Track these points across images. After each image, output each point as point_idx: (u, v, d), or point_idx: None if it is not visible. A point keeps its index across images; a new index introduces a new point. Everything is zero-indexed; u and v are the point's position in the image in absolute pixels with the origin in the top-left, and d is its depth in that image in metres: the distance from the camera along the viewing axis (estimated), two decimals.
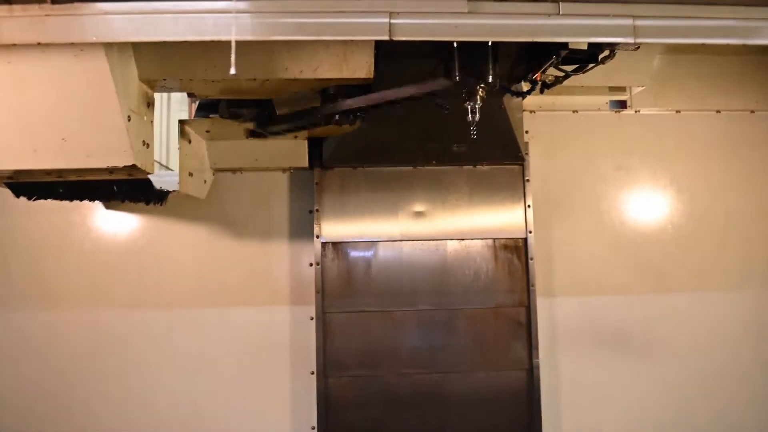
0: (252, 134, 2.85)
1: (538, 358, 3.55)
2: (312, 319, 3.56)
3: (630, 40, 2.00)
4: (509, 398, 3.56)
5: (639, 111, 3.91)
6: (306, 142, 3.46)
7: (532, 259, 3.60)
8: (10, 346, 3.58)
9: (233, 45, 1.69)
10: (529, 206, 3.64)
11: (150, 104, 2.36)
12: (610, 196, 3.84)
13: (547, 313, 3.69)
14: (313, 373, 3.52)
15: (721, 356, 3.80)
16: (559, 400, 3.68)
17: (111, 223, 3.65)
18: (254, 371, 3.66)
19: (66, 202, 3.37)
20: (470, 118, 2.57)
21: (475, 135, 2.65)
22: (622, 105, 3.96)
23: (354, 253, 3.57)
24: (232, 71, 1.67)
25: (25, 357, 3.58)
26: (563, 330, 3.74)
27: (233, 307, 3.68)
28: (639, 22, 2.01)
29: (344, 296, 3.56)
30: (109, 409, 3.59)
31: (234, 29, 1.71)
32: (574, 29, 2.02)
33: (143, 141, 2.26)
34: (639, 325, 3.79)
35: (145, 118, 2.29)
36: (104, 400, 3.60)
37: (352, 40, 2.19)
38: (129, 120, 2.09)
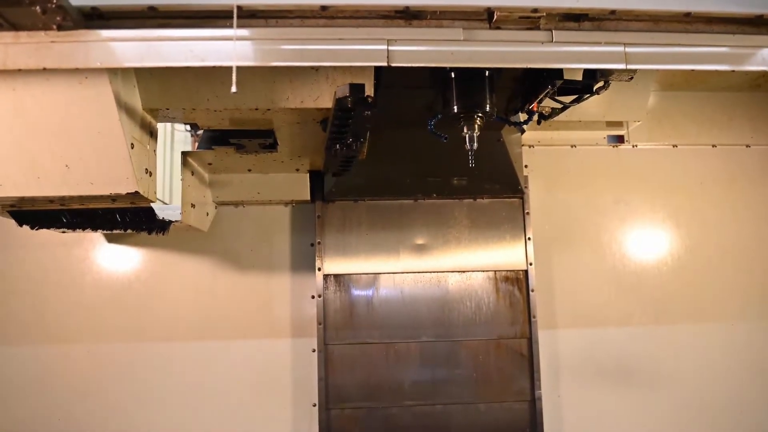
0: (238, 148, 2.88)
1: (540, 389, 3.53)
2: (314, 351, 3.57)
3: (621, 66, 2.05)
4: (512, 430, 3.52)
5: (636, 146, 3.96)
6: (308, 175, 3.51)
7: (533, 290, 3.61)
8: (10, 381, 3.55)
9: (234, 69, 1.74)
10: (529, 239, 3.66)
11: (153, 134, 2.41)
12: (610, 229, 3.87)
13: (548, 344, 3.68)
14: (315, 405, 3.51)
15: (723, 387, 3.79)
16: (561, 430, 3.64)
17: (113, 257, 3.67)
18: (256, 404, 3.64)
19: (68, 236, 3.42)
20: (468, 147, 2.60)
21: (473, 164, 2.68)
22: (619, 140, 4.03)
23: (356, 286, 3.58)
24: (233, 89, 1.71)
25: (26, 391, 3.55)
26: (565, 361, 3.73)
27: (235, 339, 3.67)
28: (630, 49, 2.06)
29: (346, 328, 3.56)
30: None
31: (234, 55, 1.75)
32: (567, 56, 2.07)
33: (146, 169, 2.29)
34: (640, 357, 3.78)
35: (148, 146, 2.33)
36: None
37: (351, 71, 2.24)
38: (132, 148, 2.13)
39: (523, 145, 3.69)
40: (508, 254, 3.66)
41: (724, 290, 3.89)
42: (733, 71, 2.18)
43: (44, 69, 1.83)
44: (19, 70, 1.84)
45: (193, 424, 3.61)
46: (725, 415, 3.80)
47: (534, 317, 3.59)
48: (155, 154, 2.42)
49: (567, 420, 3.71)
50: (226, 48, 1.83)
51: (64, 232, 3.13)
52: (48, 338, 3.59)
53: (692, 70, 2.40)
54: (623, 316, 3.82)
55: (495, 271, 3.64)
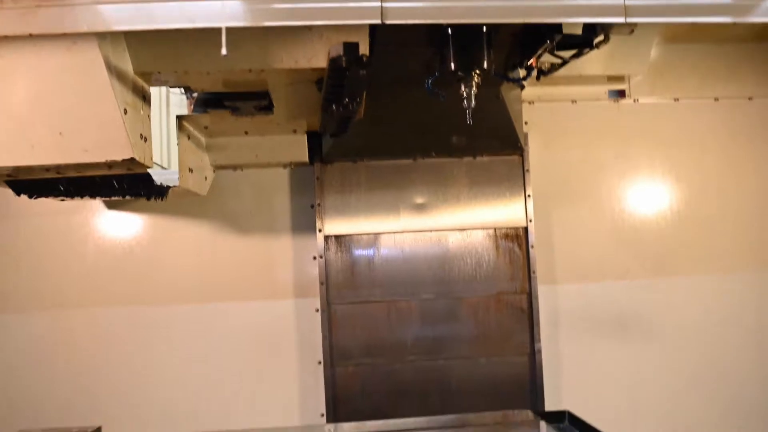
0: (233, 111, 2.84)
1: (539, 342, 3.58)
2: (317, 310, 3.61)
3: (621, 20, 2.00)
4: (512, 383, 3.60)
5: (638, 100, 3.92)
6: (305, 137, 3.48)
7: (532, 247, 3.62)
8: (15, 346, 3.61)
9: (223, 30, 1.70)
10: (529, 196, 3.65)
11: (146, 98, 2.37)
12: (610, 185, 3.86)
13: (548, 299, 3.73)
14: (320, 362, 3.57)
15: (718, 339, 3.86)
16: (560, 383, 3.73)
17: (113, 223, 3.67)
18: (262, 363, 3.72)
19: (67, 204, 3.42)
20: (466, 105, 2.57)
21: (471, 122, 2.64)
22: (620, 94, 3.98)
23: (357, 246, 3.60)
24: (224, 51, 1.68)
25: (30, 356, 3.61)
26: (564, 315, 3.78)
27: (238, 301, 3.72)
28: (630, 2, 2.01)
29: (348, 288, 3.60)
30: (117, 403, 3.62)
31: (224, 15, 1.71)
32: (566, 10, 2.03)
33: (141, 135, 2.26)
34: (638, 310, 3.83)
35: (141, 112, 2.30)
36: (112, 396, 3.63)
37: (345, 29, 2.19)
38: (125, 113, 2.09)
39: (522, 102, 3.63)
40: (507, 211, 3.65)
41: (722, 243, 3.91)
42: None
43: (30, 35, 1.80)
44: (5, 36, 1.80)
45: (200, 382, 3.69)
46: (720, 366, 3.87)
47: (533, 273, 3.61)
48: (149, 119, 2.38)
49: (566, 372, 3.78)
50: (216, 8, 1.78)
51: (62, 200, 3.12)
52: (51, 305, 3.63)
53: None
54: (621, 271, 3.86)
55: (495, 228, 3.65)
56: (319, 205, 3.59)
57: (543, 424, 2.36)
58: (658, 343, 3.85)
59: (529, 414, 2.53)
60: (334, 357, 3.59)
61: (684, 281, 3.89)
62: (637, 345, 3.84)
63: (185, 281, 3.71)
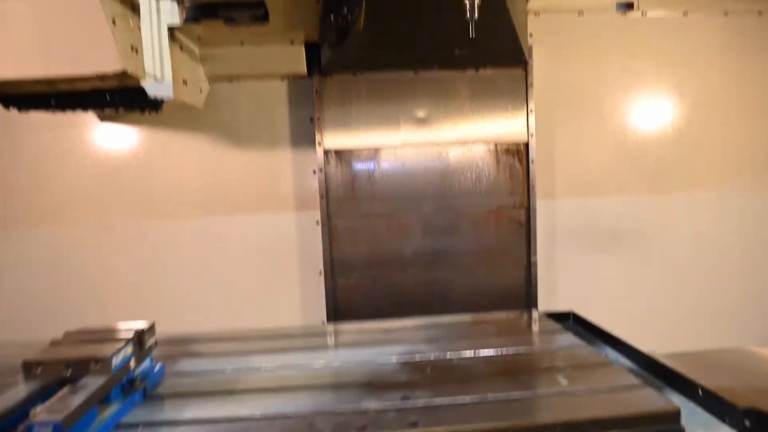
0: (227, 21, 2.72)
1: (536, 255, 3.64)
2: (318, 223, 3.62)
3: None
4: (508, 293, 3.68)
5: (646, 13, 3.78)
6: (303, 48, 3.37)
7: (533, 162, 3.59)
8: (17, 262, 3.65)
9: None
10: (531, 111, 3.57)
11: (135, 8, 2.28)
12: (613, 99, 3.80)
13: (546, 213, 3.76)
14: (321, 273, 3.63)
15: (712, 253, 3.93)
16: (554, 294, 3.83)
17: (109, 137, 3.62)
18: (264, 274, 3.79)
19: (60, 118, 3.34)
20: (469, 16, 2.46)
21: (473, 35, 2.54)
22: (628, 7, 3.82)
23: (357, 160, 3.59)
24: None
25: (33, 272, 3.67)
26: (561, 230, 3.83)
27: (239, 214, 3.76)
28: None
29: (349, 201, 3.61)
30: (123, 314, 3.60)
31: None
32: None
33: (131, 46, 2.19)
34: (634, 225, 3.87)
35: (131, 22, 2.21)
36: (117, 307, 3.72)
37: None
38: (114, 24, 2.01)
39: (528, 13, 3.49)
40: (509, 126, 3.60)
41: (722, 161, 3.91)
42: None
43: None
44: None
45: (203, 293, 3.77)
46: (712, 281, 3.97)
47: (533, 187, 3.61)
48: (140, 31, 2.30)
49: (560, 284, 3.87)
50: None
51: (54, 113, 3.04)
52: (50, 220, 3.66)
53: None
54: (620, 186, 3.87)
55: (496, 143, 3.60)
56: (318, 118, 3.52)
57: (551, 322, 2.43)
58: (652, 256, 3.92)
59: (537, 313, 2.60)
60: (334, 268, 3.65)
61: (681, 197, 3.90)
62: (631, 258, 3.91)
63: (186, 194, 3.72)
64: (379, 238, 3.67)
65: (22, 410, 1.37)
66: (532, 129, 3.57)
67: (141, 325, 1.84)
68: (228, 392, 1.81)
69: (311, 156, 3.65)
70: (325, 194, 3.59)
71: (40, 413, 1.32)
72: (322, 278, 3.66)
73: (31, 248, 3.67)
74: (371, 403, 1.58)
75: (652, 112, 3.85)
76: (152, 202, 3.69)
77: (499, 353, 2.05)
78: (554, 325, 2.44)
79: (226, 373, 1.99)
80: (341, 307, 3.70)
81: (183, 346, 2.30)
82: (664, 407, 1.51)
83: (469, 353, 2.05)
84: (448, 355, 2.04)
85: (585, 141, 3.83)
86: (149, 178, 3.67)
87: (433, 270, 3.68)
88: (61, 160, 3.60)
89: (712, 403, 1.60)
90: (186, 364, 2.12)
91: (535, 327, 2.54)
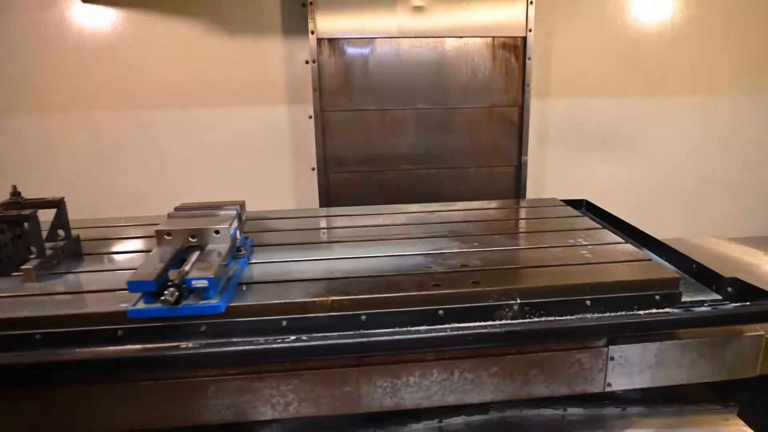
0: None
1: (526, 155, 3.60)
2: (310, 117, 3.51)
3: None
4: (498, 191, 3.67)
5: None
6: None
7: (529, 58, 3.51)
8: (6, 151, 3.51)
9: None
10: (531, 2, 3.48)
11: None
12: None
13: (539, 112, 3.71)
14: (313, 169, 3.57)
15: (702, 159, 3.96)
16: (543, 193, 3.86)
17: (91, 19, 3.42)
18: (257, 168, 3.73)
19: None
20: None
21: None
22: None
23: (351, 50, 3.43)
24: None
25: (22, 160, 3.54)
26: (553, 129, 3.81)
27: (230, 106, 3.62)
28: None
29: (342, 94, 3.48)
30: (113, 203, 3.64)
31: None
32: None
33: None
34: (627, 127, 3.85)
35: None
36: (106, 196, 3.64)
37: None
38: None
39: None
40: (507, 19, 3.51)
41: (719, 65, 3.83)
42: None
43: None
44: None
45: (193, 185, 3.71)
46: (699, 186, 4.01)
47: (528, 86, 3.52)
48: None
49: (549, 182, 3.90)
50: None
51: None
52: (38, 107, 3.49)
53: None
54: (616, 87, 3.80)
55: (493, 37, 3.52)
56: (311, 2, 3.37)
57: (568, 207, 2.64)
58: (641, 158, 3.93)
59: (555, 200, 2.71)
60: (327, 163, 3.58)
61: (678, 101, 3.86)
62: (620, 160, 3.92)
63: (175, 83, 3.56)
64: (372, 134, 3.58)
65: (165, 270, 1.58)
66: (531, 23, 3.49)
67: (237, 202, 2.08)
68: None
69: (303, 46, 3.49)
70: (318, 87, 3.46)
71: (191, 271, 1.55)
72: (314, 174, 3.59)
73: (15, 136, 3.52)
74: (438, 267, 1.84)
75: (653, 11, 3.73)
76: (139, 91, 3.53)
77: (529, 230, 2.35)
78: (572, 210, 2.64)
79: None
80: (333, 201, 3.66)
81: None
82: (668, 275, 1.79)
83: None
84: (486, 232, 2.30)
85: (583, 39, 3.72)
86: (136, 65, 3.49)
87: (425, 167, 3.65)
88: (41, 43, 3.41)
89: (702, 274, 1.90)
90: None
91: (556, 211, 2.62)
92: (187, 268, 1.58)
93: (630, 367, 1.67)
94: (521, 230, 2.33)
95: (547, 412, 1.83)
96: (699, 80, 3.85)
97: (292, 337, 1.53)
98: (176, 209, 1.98)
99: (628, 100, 3.83)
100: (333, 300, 1.59)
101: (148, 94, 3.56)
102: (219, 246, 1.71)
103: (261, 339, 1.54)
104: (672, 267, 2.02)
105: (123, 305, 1.54)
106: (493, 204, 2.95)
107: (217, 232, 1.72)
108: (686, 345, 1.69)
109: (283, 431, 1.75)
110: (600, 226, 2.31)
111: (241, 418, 1.62)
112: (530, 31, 3.48)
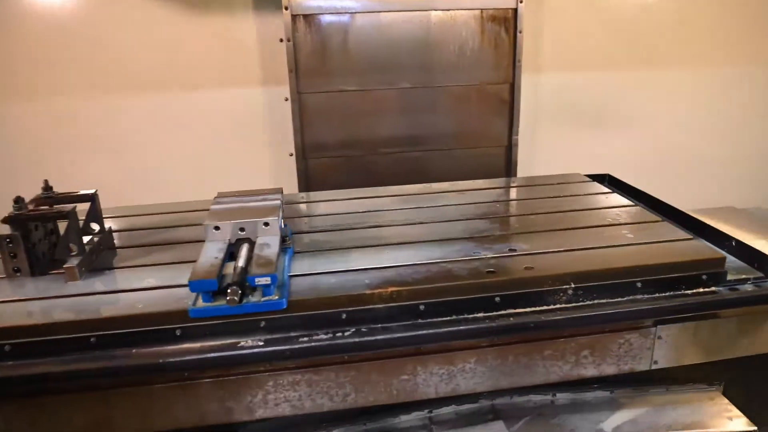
0: None
1: (517, 135, 3.47)
2: (287, 99, 3.33)
3: None
4: (488, 173, 3.52)
5: None
6: None
7: (520, 32, 3.37)
8: None
9: None
10: None
11: None
12: None
13: (530, 89, 3.56)
14: (291, 154, 3.39)
15: (694, 133, 3.90)
16: (532, 172, 3.71)
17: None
18: (231, 155, 3.54)
19: None
20: None
21: None
22: None
23: (328, 27, 3.22)
24: None
25: None
26: (545, 106, 3.68)
27: (201, 89, 3.42)
28: None
29: (320, 75, 3.28)
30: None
31: None
32: None
33: None
34: (620, 101, 3.76)
35: None
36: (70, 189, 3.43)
37: None
38: None
39: None
40: None
41: (711, 38, 3.75)
42: None
43: None
44: None
45: (165, 172, 3.51)
46: (691, 160, 3.96)
47: (519, 61, 3.35)
48: None
49: (539, 163, 3.76)
50: None
51: None
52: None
53: None
54: (611, 60, 3.69)
55: (482, 9, 3.42)
56: None
57: (595, 184, 2.61)
58: (633, 134, 3.84)
59: (580, 175, 2.71)
60: (306, 148, 3.40)
61: (672, 74, 3.77)
62: (613, 136, 3.82)
63: (144, 66, 3.34)
64: (354, 116, 3.40)
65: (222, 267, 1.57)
66: None
67: (276, 190, 2.01)
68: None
69: (277, 22, 3.28)
70: (295, 67, 3.24)
71: (252, 268, 1.53)
72: (293, 159, 3.41)
73: None
74: (487, 252, 1.83)
75: None
76: (107, 75, 3.31)
77: (565, 209, 2.28)
78: (600, 186, 2.57)
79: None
80: (313, 189, 3.44)
81: None
82: (714, 254, 1.79)
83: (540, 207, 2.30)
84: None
85: (576, 10, 3.58)
86: (102, 48, 3.26)
87: (410, 150, 3.48)
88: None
89: (743, 251, 1.88)
90: None
91: (584, 188, 2.59)
92: (241, 263, 1.56)
93: (676, 345, 1.72)
94: (556, 209, 2.24)
95: (537, 397, 1.85)
96: (693, 52, 3.76)
97: (363, 330, 1.53)
98: (216, 199, 1.93)
99: (620, 74, 3.72)
100: (392, 291, 1.59)
101: (113, 78, 3.32)
102: (269, 239, 1.68)
103: (321, 332, 1.54)
104: (708, 244, 1.96)
105: (179, 304, 1.53)
106: (517, 181, 2.85)
107: (266, 224, 1.69)
108: (728, 322, 1.73)
109: (276, 426, 1.74)
110: (632, 203, 2.28)
111: (298, 411, 1.63)
112: (521, 2, 3.40)
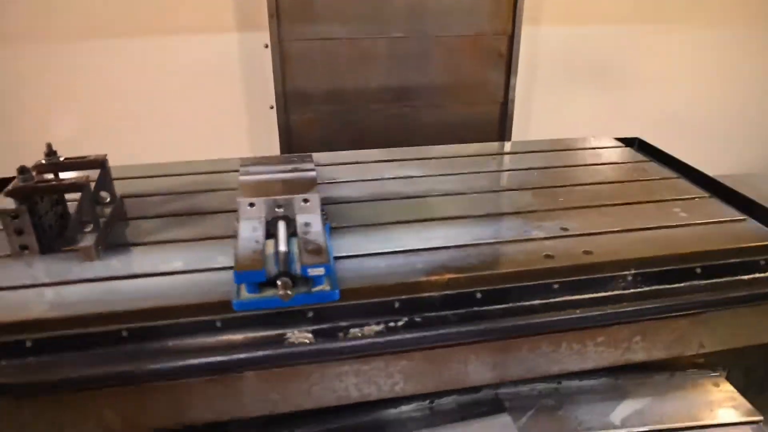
0: None
1: (514, 92, 3.31)
2: (266, 47, 3.07)
3: None
4: (480, 131, 3.40)
5: None
6: None
7: None
8: None
9: None
10: None
11: None
12: None
13: (530, 43, 3.36)
14: (272, 107, 3.16)
15: (705, 88, 3.80)
16: (528, 131, 3.62)
17: None
18: (205, 107, 3.28)
19: None
20: None
21: None
22: None
23: None
24: None
25: None
26: (544, 62, 3.50)
27: (169, 35, 3.11)
28: None
29: (304, 21, 3.04)
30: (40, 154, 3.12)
31: None
32: None
33: None
34: (621, 57, 3.61)
35: None
36: (29, 147, 3.13)
37: None
38: None
39: None
40: None
41: None
42: None
43: None
44: None
45: (135, 130, 3.24)
46: (693, 118, 3.87)
47: (520, 10, 3.15)
48: None
49: (534, 121, 3.64)
50: None
51: None
52: None
53: None
54: (616, 14, 3.50)
55: None
56: None
57: (630, 150, 2.49)
58: (633, 92, 3.72)
59: (610, 139, 2.60)
60: (288, 101, 3.16)
61: (676, 29, 3.62)
62: (612, 94, 3.69)
63: (103, 10, 3.00)
64: (340, 67, 3.18)
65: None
66: None
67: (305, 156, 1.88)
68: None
69: None
70: (276, 11, 2.98)
71: (304, 257, 1.38)
72: (273, 113, 3.17)
73: None
74: (538, 232, 1.73)
75: None
76: (62, 20, 2.98)
77: (606, 180, 2.17)
78: (636, 154, 2.45)
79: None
80: (296, 145, 3.27)
81: None
82: None
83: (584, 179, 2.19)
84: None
85: None
86: None
87: (399, 104, 3.30)
88: None
89: None
90: None
91: (619, 155, 2.47)
92: (282, 247, 1.42)
93: (723, 329, 1.69)
94: (596, 180, 2.13)
95: (542, 386, 1.80)
96: (704, 6, 3.60)
97: (416, 319, 1.44)
98: (242, 167, 1.75)
99: (624, 28, 3.53)
100: (449, 278, 1.48)
101: (73, 24, 3.00)
102: (310, 217, 1.54)
103: (372, 322, 1.43)
104: (759, 224, 1.86)
105: (217, 292, 1.40)
106: (546, 145, 2.60)
107: (306, 200, 1.54)
108: None
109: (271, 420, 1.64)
110: (676, 175, 2.19)
111: (344, 401, 1.54)
112: None
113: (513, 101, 3.32)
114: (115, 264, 1.51)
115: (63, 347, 1.32)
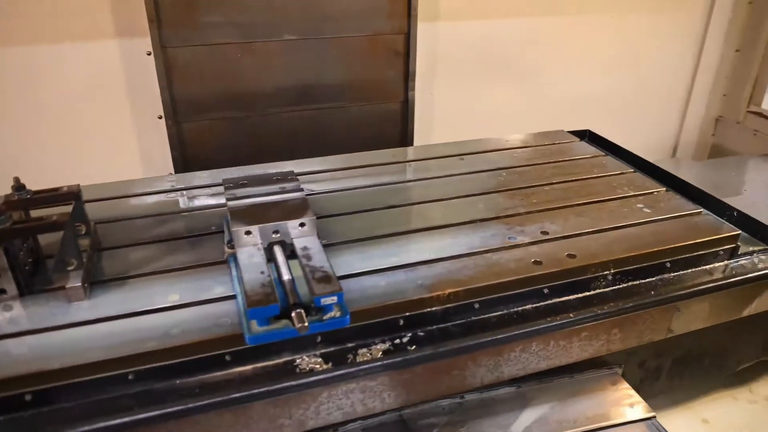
0: None
1: (414, 90, 3.30)
2: (149, 54, 2.83)
3: None
4: (383, 130, 3.37)
5: None
6: None
7: None
8: None
9: None
10: None
11: None
12: None
13: (427, 39, 3.30)
14: (160, 117, 2.95)
15: (601, 79, 3.84)
16: (431, 128, 3.59)
17: None
18: (89, 120, 2.97)
19: None
20: None
21: None
22: None
23: None
24: None
25: None
26: (443, 58, 3.45)
27: (41, 44, 2.76)
28: None
29: (188, 26, 2.82)
30: None
31: None
32: None
33: None
34: (524, 50, 3.57)
35: None
36: None
37: None
38: None
39: None
40: None
41: None
42: None
43: None
44: None
45: (9, 147, 2.89)
46: (600, 107, 3.90)
47: (414, 9, 3.11)
48: None
49: (437, 116, 3.58)
50: None
51: None
52: None
53: None
54: (513, 8, 3.46)
55: None
56: None
57: (585, 144, 2.62)
58: (536, 81, 3.68)
59: (564, 133, 2.69)
60: (177, 111, 2.95)
61: (573, 20, 3.61)
62: (517, 87, 3.66)
63: None
64: (233, 73, 2.99)
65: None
66: None
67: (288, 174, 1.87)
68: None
69: None
70: (155, 16, 2.73)
71: (315, 287, 1.38)
72: (162, 123, 2.96)
73: None
74: (523, 237, 1.82)
75: None
76: None
77: (570, 177, 2.28)
78: (591, 148, 2.57)
79: None
80: (192, 156, 3.06)
81: None
82: (731, 232, 1.90)
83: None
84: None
85: None
86: None
87: (298, 108, 3.17)
88: None
89: (746, 223, 2.00)
90: None
91: (577, 149, 2.57)
92: (285, 275, 1.43)
93: (690, 315, 1.82)
94: (561, 178, 2.24)
95: (445, 402, 1.80)
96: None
97: (420, 334, 1.49)
98: (226, 190, 1.69)
99: (525, 21, 3.49)
100: (450, 292, 1.52)
101: None
102: (308, 241, 1.53)
103: (377, 340, 1.46)
104: (716, 217, 2.02)
105: (223, 326, 1.40)
106: (510, 143, 2.67)
107: (302, 224, 1.53)
108: (735, 290, 1.84)
109: None
110: (632, 169, 2.34)
111: (349, 417, 1.55)
112: None
113: (413, 99, 3.32)
114: (105, 303, 1.45)
115: (64, 397, 1.27)
